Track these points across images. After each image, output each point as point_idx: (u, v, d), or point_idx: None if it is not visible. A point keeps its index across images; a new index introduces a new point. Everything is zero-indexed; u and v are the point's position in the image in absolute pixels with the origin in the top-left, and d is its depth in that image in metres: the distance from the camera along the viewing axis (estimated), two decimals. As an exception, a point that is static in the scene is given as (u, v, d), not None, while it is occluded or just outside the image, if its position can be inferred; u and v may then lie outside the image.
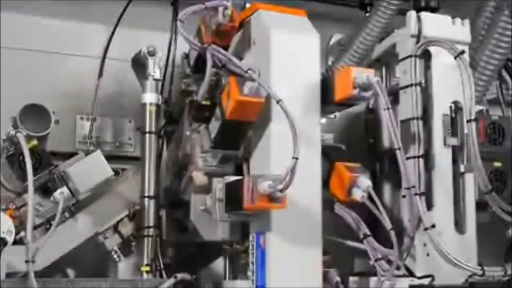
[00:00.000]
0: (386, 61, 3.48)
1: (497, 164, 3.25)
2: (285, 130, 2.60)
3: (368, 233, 2.85)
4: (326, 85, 2.89)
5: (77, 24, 3.50)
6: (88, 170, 2.82)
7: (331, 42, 3.90)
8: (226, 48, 3.03)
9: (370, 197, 2.85)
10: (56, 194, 2.74)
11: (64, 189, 2.76)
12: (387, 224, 2.78)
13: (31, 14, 3.43)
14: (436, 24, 3.21)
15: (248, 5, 3.40)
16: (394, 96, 3.30)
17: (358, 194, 2.82)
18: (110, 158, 3.37)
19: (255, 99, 2.68)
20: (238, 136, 2.87)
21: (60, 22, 3.47)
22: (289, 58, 2.87)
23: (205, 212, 2.99)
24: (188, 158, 3.08)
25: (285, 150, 2.61)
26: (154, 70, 3.09)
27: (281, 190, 2.54)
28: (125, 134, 3.47)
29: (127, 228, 3.07)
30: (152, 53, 3.07)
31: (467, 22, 3.29)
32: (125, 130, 3.48)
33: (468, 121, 2.91)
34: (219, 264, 3.32)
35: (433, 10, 3.29)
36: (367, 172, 2.88)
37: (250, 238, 2.86)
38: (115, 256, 3.08)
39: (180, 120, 3.27)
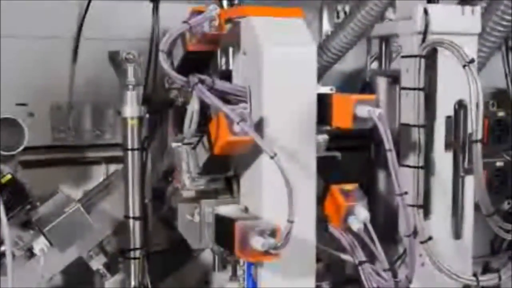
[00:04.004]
0: (386, 37, 3.23)
1: (500, 164, 3.10)
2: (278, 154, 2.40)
3: (364, 259, 2.73)
4: (323, 106, 2.65)
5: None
6: (68, 226, 2.61)
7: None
8: (212, 53, 2.78)
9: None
10: (37, 250, 2.59)
11: (44, 243, 2.59)
12: (384, 263, 2.67)
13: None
14: (445, 17, 2.93)
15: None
16: (394, 78, 3.12)
17: (354, 225, 2.68)
18: (90, 147, 3.20)
19: (247, 138, 2.46)
20: (228, 164, 2.70)
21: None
22: (284, 75, 2.60)
23: (193, 222, 2.87)
24: (174, 168, 2.88)
25: (277, 174, 2.43)
26: (134, 77, 2.80)
27: (276, 249, 2.41)
28: (105, 121, 3.21)
29: (112, 243, 2.94)
30: (131, 61, 2.76)
31: (477, 9, 3.00)
32: (105, 116, 3.22)
33: (475, 141, 2.72)
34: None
35: (442, -7, 3.00)
36: (365, 199, 2.73)
37: (241, 263, 2.76)
38: (101, 272, 2.96)
39: (163, 118, 3.05)
